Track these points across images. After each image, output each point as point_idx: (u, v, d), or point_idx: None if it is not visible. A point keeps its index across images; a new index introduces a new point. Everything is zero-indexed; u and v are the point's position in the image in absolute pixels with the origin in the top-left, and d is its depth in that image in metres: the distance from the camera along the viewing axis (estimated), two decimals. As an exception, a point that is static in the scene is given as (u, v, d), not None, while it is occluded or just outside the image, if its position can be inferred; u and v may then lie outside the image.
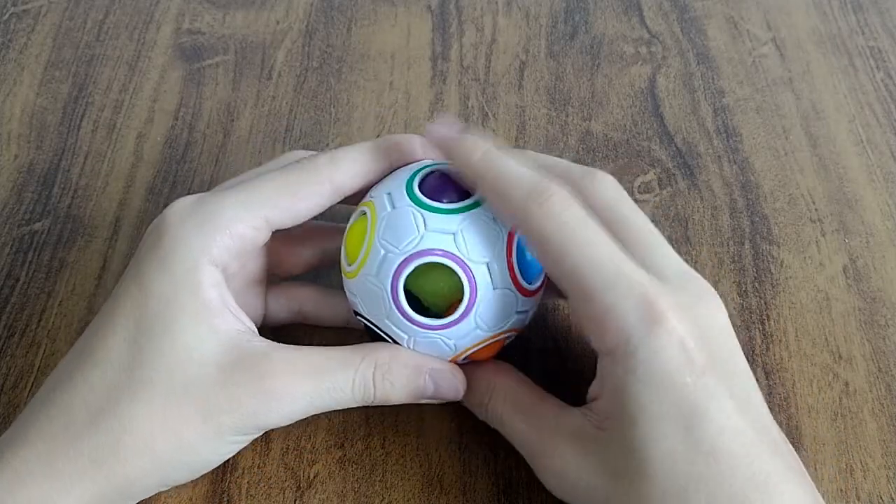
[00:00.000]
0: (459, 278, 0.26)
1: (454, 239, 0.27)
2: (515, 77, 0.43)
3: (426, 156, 0.30)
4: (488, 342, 0.28)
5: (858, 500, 0.30)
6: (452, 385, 0.28)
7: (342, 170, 0.28)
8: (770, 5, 0.48)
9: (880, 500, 0.30)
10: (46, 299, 0.35)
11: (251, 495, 0.29)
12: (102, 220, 0.37)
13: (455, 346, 0.28)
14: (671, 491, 0.23)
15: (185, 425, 0.25)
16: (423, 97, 0.42)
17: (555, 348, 0.33)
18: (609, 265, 0.25)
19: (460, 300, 0.27)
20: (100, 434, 0.25)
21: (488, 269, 0.27)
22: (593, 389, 0.27)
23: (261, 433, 0.28)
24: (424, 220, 0.27)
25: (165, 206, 0.37)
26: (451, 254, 0.26)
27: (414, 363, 0.28)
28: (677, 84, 0.43)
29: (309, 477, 0.30)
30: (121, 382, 0.25)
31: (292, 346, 0.27)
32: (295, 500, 0.29)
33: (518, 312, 0.28)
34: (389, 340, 0.28)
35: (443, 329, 0.27)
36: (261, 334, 0.28)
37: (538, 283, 0.29)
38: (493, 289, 0.27)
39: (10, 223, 0.37)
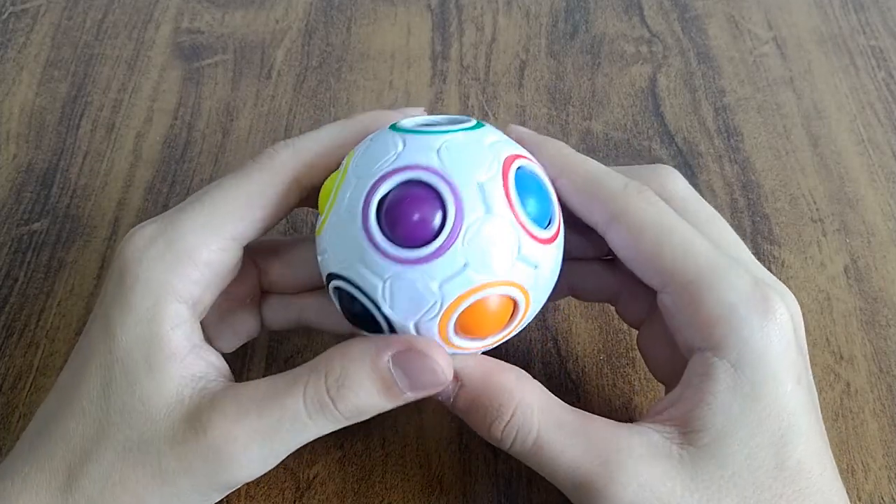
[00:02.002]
0: (443, 200, 0.22)
1: (438, 153, 0.23)
2: (515, 76, 0.43)
3: None
4: (484, 293, 0.23)
5: (860, 500, 0.30)
6: (426, 367, 0.23)
7: (308, 164, 0.26)
8: (771, 4, 0.47)
9: (882, 501, 0.30)
10: (45, 299, 0.35)
11: (251, 496, 0.29)
12: (101, 220, 0.37)
13: (441, 292, 0.22)
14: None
15: (144, 489, 0.23)
16: (423, 97, 0.42)
17: (555, 348, 0.33)
18: (713, 253, 0.24)
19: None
20: (76, 494, 0.24)
21: (479, 189, 0.23)
22: (670, 399, 0.25)
23: (234, 489, 0.26)
24: (404, 142, 0.24)
25: (165, 206, 0.38)
26: (433, 168, 0.23)
27: (369, 351, 0.23)
28: (678, 83, 0.43)
29: (308, 477, 0.30)
30: (91, 437, 0.24)
31: (247, 382, 0.24)
32: (294, 501, 0.29)
33: (523, 260, 0.23)
34: (363, 298, 0.23)
35: (423, 263, 0.22)
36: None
37: (551, 232, 0.24)
38: (486, 213, 0.22)
39: (9, 223, 0.37)
